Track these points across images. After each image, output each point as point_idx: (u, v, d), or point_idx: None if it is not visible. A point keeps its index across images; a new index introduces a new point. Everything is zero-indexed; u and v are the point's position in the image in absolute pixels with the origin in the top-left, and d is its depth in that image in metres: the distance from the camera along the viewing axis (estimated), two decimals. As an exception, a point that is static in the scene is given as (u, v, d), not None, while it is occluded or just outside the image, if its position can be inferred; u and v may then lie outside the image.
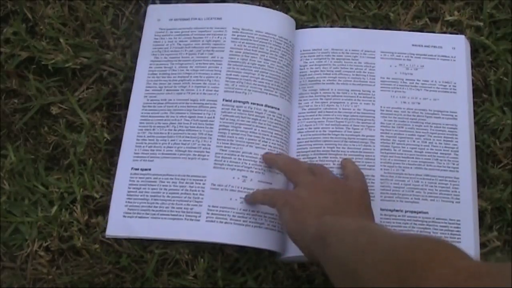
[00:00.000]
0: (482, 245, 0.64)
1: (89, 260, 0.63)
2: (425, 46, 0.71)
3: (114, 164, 0.66)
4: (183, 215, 0.62)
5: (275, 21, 0.69)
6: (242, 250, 0.64)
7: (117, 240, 0.64)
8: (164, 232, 0.62)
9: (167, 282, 0.63)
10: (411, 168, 0.65)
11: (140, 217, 0.63)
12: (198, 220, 0.62)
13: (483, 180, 0.67)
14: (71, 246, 0.64)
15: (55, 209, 0.64)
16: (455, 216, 0.64)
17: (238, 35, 0.68)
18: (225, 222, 0.62)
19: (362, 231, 0.49)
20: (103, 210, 0.65)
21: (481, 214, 0.65)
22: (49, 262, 0.63)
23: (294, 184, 0.60)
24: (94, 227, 0.64)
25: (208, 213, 0.62)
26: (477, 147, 0.67)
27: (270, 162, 0.64)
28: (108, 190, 0.65)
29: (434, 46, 0.70)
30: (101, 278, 0.63)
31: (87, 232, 0.64)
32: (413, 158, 0.66)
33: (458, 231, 0.63)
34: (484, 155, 0.68)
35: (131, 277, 0.63)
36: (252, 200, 0.62)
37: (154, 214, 0.63)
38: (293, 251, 0.60)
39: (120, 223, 0.63)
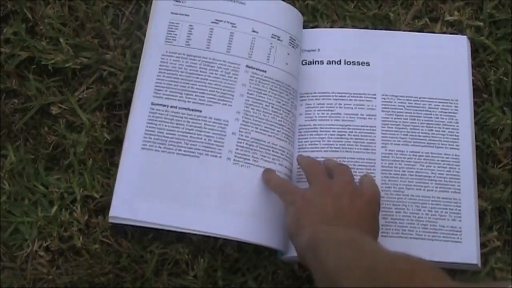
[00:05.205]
0: (482, 245, 0.64)
1: (89, 260, 0.63)
2: (427, 46, 0.70)
3: (115, 164, 0.66)
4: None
5: (292, 17, 0.70)
6: (242, 250, 0.64)
7: (117, 240, 0.64)
8: (171, 220, 0.61)
9: (167, 282, 0.63)
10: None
11: (148, 201, 0.62)
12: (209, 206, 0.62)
13: (483, 180, 0.67)
14: (71, 246, 0.64)
15: (55, 209, 0.64)
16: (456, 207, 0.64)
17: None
18: (237, 214, 0.62)
19: (350, 245, 0.50)
20: (103, 210, 0.65)
21: (481, 214, 0.65)
22: (49, 262, 0.63)
23: (309, 184, 0.60)
24: (94, 227, 0.64)
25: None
26: (477, 147, 0.67)
27: (299, 162, 0.65)
28: (108, 190, 0.65)
29: (436, 47, 0.70)
30: (101, 278, 0.63)
31: (87, 232, 0.64)
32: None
33: (459, 230, 0.63)
34: (484, 155, 0.68)
35: (131, 277, 0.63)
36: (266, 181, 0.62)
37: (163, 196, 0.62)
38: (295, 251, 0.61)
39: (126, 205, 0.61)
